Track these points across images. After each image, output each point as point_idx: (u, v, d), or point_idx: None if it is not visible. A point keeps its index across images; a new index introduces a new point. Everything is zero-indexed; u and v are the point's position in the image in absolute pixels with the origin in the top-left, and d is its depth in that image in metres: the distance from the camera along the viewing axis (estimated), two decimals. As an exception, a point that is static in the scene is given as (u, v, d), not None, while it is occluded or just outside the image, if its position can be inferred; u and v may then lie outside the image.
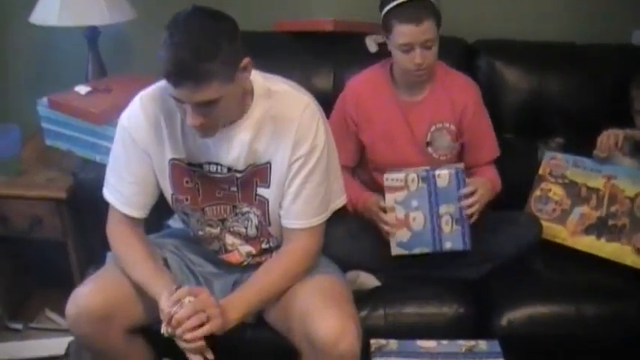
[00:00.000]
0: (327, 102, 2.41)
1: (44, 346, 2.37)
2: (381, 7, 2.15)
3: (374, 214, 2.14)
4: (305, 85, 2.44)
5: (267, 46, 2.55)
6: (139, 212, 1.87)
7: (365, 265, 2.12)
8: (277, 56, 2.54)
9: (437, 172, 2.06)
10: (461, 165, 2.13)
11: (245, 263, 1.97)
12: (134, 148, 1.82)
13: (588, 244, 2.19)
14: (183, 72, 1.56)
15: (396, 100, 2.26)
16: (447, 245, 2.09)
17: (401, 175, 2.09)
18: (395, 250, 2.11)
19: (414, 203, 2.09)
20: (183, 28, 1.59)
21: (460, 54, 2.51)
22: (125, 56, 2.74)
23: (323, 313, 1.71)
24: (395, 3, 2.10)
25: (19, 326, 2.47)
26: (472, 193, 2.07)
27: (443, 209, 2.07)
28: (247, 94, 1.77)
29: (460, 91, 2.25)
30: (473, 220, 2.07)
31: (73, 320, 1.78)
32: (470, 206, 2.06)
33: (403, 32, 2.08)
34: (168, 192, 1.88)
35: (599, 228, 2.19)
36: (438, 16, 2.12)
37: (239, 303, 1.78)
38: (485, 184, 2.14)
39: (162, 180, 1.87)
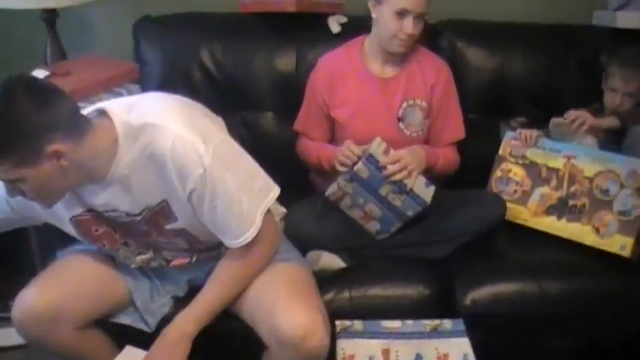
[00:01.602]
0: (291, 83, 2.52)
1: (7, 336, 2.33)
2: None
3: (340, 151, 2.12)
4: (268, 66, 2.53)
5: (231, 27, 2.59)
6: None
7: (330, 245, 2.11)
8: (241, 37, 2.57)
9: (355, 168, 2.06)
10: (374, 143, 2.07)
11: (194, 260, 1.92)
12: (6, 207, 1.79)
13: (549, 224, 2.21)
14: None
15: (369, 76, 2.29)
16: (409, 213, 2.11)
17: (334, 186, 2.10)
18: (378, 237, 2.15)
19: (360, 200, 2.11)
20: None
21: (423, 35, 2.44)
22: (84, 38, 2.70)
23: (290, 308, 1.69)
24: None
25: (-18, 316, 2.42)
26: (395, 162, 2.06)
27: (383, 191, 2.09)
28: (105, 141, 1.63)
29: (432, 69, 2.29)
30: (410, 182, 2.06)
31: (20, 325, 1.77)
32: (395, 173, 2.05)
33: None
34: (83, 240, 1.85)
35: (560, 209, 2.21)
36: None
37: (193, 319, 1.75)
38: (413, 151, 2.14)
39: (69, 231, 1.82)
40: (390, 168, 2.05)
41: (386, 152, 2.07)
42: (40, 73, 2.26)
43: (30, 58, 2.50)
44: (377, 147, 2.06)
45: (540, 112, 2.50)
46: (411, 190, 2.07)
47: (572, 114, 2.27)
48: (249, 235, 1.72)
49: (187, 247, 1.86)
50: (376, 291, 2.06)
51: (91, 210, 1.75)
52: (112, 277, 1.89)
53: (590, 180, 2.18)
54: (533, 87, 2.56)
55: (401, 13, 2.14)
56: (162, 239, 1.82)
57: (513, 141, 2.33)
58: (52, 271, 1.86)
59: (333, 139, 2.36)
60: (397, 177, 2.06)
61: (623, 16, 2.50)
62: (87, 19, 2.68)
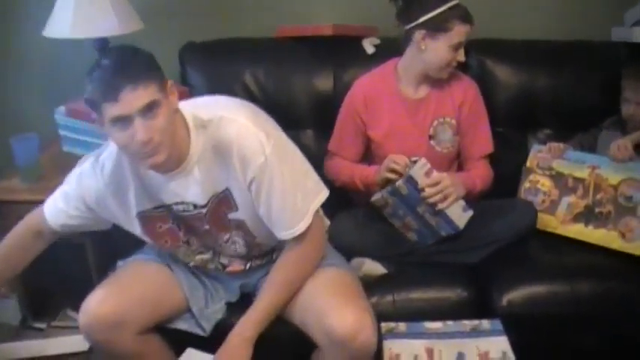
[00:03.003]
0: (328, 102, 2.59)
1: (67, 343, 2.42)
2: (431, 8, 2.24)
3: (384, 167, 2.24)
4: (307, 88, 2.61)
5: (269, 51, 2.70)
6: (62, 227, 1.95)
7: (372, 252, 2.21)
8: (280, 61, 2.68)
9: (396, 184, 2.17)
10: (418, 165, 2.17)
11: (248, 268, 2.04)
12: (81, 202, 1.89)
13: (578, 231, 2.29)
14: (117, 80, 1.59)
15: (401, 98, 2.39)
16: (442, 233, 2.22)
17: (379, 195, 2.22)
18: (416, 246, 2.26)
19: (400, 212, 2.22)
20: (102, 61, 1.64)
21: None
22: None
23: (339, 309, 1.77)
24: (451, 4, 2.23)
25: (42, 325, 2.52)
26: (434, 185, 2.16)
27: (420, 209, 2.19)
28: (182, 128, 1.77)
29: (459, 88, 2.39)
30: (444, 206, 2.16)
31: (86, 329, 1.85)
32: (431, 196, 2.15)
33: (463, 31, 2.25)
34: (146, 239, 1.95)
35: (587, 216, 2.29)
36: None
37: (252, 324, 1.84)
38: (453, 177, 2.24)
39: (133, 230, 1.93)
40: (428, 191, 2.15)
41: (427, 174, 2.17)
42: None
43: (82, 83, 2.62)
44: (419, 169, 2.15)
45: (565, 125, 2.60)
46: (445, 214, 2.17)
47: (617, 156, 2.31)
48: (300, 228, 1.82)
49: (244, 250, 1.97)
50: (418, 294, 2.16)
51: (159, 207, 1.87)
52: (170, 284, 1.98)
53: (615, 188, 2.26)
54: (558, 101, 2.64)
55: (458, 45, 2.26)
56: (223, 237, 1.92)
57: (540, 154, 2.41)
58: (115, 278, 1.96)
59: (364, 159, 2.46)
60: (433, 200, 2.16)
61: (639, 31, 2.56)
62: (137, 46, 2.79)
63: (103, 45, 2.63)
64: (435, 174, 2.19)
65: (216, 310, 2.02)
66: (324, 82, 2.66)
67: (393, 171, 2.22)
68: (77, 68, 2.71)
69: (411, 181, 2.15)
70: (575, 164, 2.36)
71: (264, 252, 2.02)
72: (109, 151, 1.86)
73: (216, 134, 1.76)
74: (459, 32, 2.24)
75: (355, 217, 2.30)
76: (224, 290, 2.06)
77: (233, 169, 1.76)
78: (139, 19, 2.62)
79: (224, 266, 2.02)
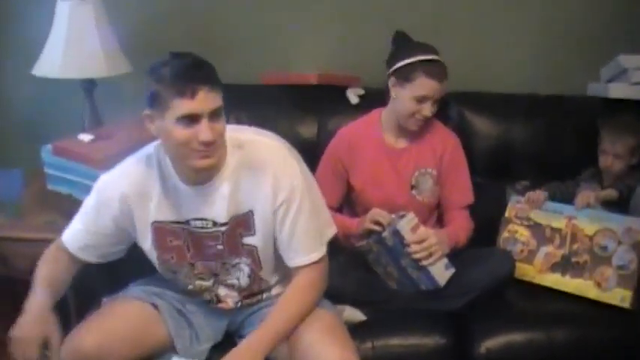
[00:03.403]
0: (312, 150, 2.56)
1: None
2: (403, 57, 2.33)
3: (368, 219, 2.28)
4: (291, 135, 2.56)
5: (254, 97, 2.73)
6: (86, 256, 1.96)
7: (352, 298, 2.22)
8: (265, 108, 2.71)
9: (383, 234, 2.20)
10: (405, 219, 2.20)
11: (238, 306, 2.04)
12: (106, 214, 1.91)
13: (554, 280, 2.33)
14: (197, 79, 1.68)
15: (384, 147, 2.43)
16: (422, 287, 2.24)
17: (364, 242, 2.26)
18: (398, 298, 2.28)
19: (384, 261, 2.26)
20: (174, 59, 1.73)
21: None
22: (119, 106, 2.80)
23: (326, 345, 1.82)
24: (422, 58, 2.29)
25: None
26: (420, 242, 2.18)
27: (403, 262, 2.22)
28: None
29: (441, 140, 2.44)
30: (428, 263, 2.19)
31: None
32: (416, 252, 2.18)
33: (427, 85, 2.28)
34: (152, 255, 1.96)
35: (564, 266, 2.33)
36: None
37: (263, 337, 1.85)
38: (439, 234, 2.26)
39: (143, 244, 1.95)
40: (413, 247, 2.18)
41: (414, 229, 2.19)
42: (85, 137, 2.44)
43: (68, 123, 2.67)
44: (406, 223, 2.18)
45: (542, 175, 2.64)
46: (427, 270, 2.20)
47: (579, 204, 2.38)
48: (317, 254, 1.92)
49: (246, 282, 1.98)
50: (396, 341, 2.16)
51: (175, 222, 1.90)
52: (153, 322, 1.97)
53: (591, 238, 2.31)
54: (535, 152, 2.70)
55: (421, 100, 2.31)
56: (232, 261, 1.95)
57: (518, 204, 2.47)
58: (97, 314, 1.96)
59: (343, 207, 2.50)
60: (417, 256, 2.19)
61: (614, 87, 2.66)
62: (122, 89, 2.83)
63: (90, 86, 2.68)
64: (422, 230, 2.21)
65: (200, 351, 2.02)
66: (308, 130, 2.70)
67: (376, 223, 2.26)
68: (64, 107, 2.79)
69: (397, 234, 2.18)
70: (553, 215, 2.41)
71: (258, 291, 2.04)
72: (137, 158, 1.93)
73: (252, 155, 1.85)
74: (422, 85, 2.29)
75: (337, 262, 2.29)
76: (210, 329, 2.06)
77: (263, 190, 1.84)
78: (128, 61, 2.68)
79: (218, 299, 2.03)
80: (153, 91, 1.72)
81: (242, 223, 1.89)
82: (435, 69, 2.29)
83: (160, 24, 2.86)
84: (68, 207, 2.44)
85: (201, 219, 1.89)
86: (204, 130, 1.70)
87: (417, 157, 2.43)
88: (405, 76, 2.31)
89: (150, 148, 1.93)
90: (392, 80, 2.36)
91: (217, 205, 1.86)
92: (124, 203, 1.89)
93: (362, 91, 2.75)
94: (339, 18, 2.90)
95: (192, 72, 1.69)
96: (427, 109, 2.32)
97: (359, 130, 2.48)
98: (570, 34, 2.88)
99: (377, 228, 2.25)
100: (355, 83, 2.78)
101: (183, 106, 1.68)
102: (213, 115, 1.71)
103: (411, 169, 2.42)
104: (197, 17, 2.87)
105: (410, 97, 2.31)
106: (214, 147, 1.75)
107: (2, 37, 2.85)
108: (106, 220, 1.92)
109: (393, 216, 2.25)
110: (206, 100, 1.69)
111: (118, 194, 1.89)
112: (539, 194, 2.45)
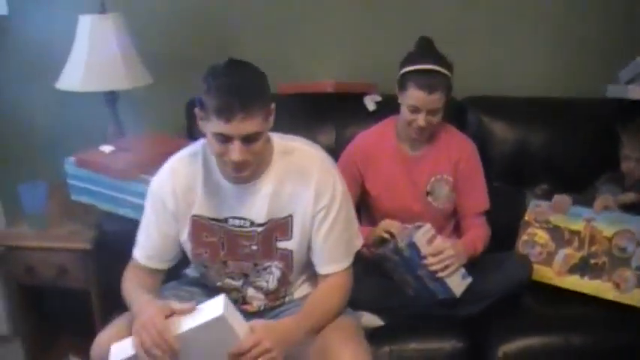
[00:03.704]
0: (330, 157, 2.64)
1: None
2: (401, 66, 2.33)
3: (380, 228, 2.30)
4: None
5: None
6: (157, 263, 2.01)
7: (369, 305, 2.24)
8: (282, 117, 2.63)
9: (400, 245, 2.20)
10: (421, 231, 2.20)
11: (262, 309, 2.08)
12: (163, 211, 1.97)
13: (573, 282, 2.33)
14: (234, 106, 1.72)
15: (399, 154, 2.44)
16: (439, 296, 2.25)
17: (381, 250, 2.27)
18: (415, 305, 2.29)
19: (401, 269, 2.26)
20: (226, 72, 1.78)
21: (451, 110, 2.59)
22: (141, 117, 2.91)
23: (341, 347, 1.83)
24: (414, 67, 2.28)
25: (45, 370, 2.57)
26: (437, 254, 2.18)
27: (419, 272, 2.22)
28: (267, 149, 1.90)
29: (457, 147, 2.44)
30: (445, 274, 2.18)
31: None
32: (433, 264, 2.18)
33: (415, 96, 2.27)
34: (187, 246, 2.01)
35: (582, 267, 2.33)
36: (449, 89, 2.31)
37: (295, 323, 1.87)
38: (456, 245, 2.26)
39: (181, 235, 1.99)
40: (429, 260, 2.18)
41: (430, 241, 2.20)
42: (106, 149, 2.50)
43: (92, 135, 2.71)
44: (422, 235, 2.18)
45: (561, 179, 2.65)
46: (444, 281, 2.20)
47: (598, 207, 2.39)
48: (348, 262, 1.99)
49: (274, 285, 2.03)
50: (413, 345, 2.20)
51: (214, 219, 1.96)
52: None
53: (609, 240, 2.31)
54: (554, 156, 2.70)
55: (413, 110, 2.31)
56: (264, 264, 1.99)
57: (537, 208, 2.47)
58: (125, 316, 1.97)
59: (359, 212, 2.47)
60: (433, 268, 2.19)
61: (633, 88, 2.65)
62: (144, 100, 2.88)
63: (112, 98, 2.74)
64: (438, 241, 2.21)
65: None
66: (326, 138, 2.71)
67: (388, 232, 2.28)
68: (86, 120, 2.84)
69: (413, 246, 2.18)
70: (571, 217, 2.41)
71: (283, 295, 2.08)
72: (183, 155, 2.00)
73: (299, 162, 1.94)
74: (412, 95, 2.28)
75: (354, 270, 2.33)
76: None
77: (306, 195, 1.92)
78: (148, 73, 2.73)
79: (244, 300, 2.08)
80: (201, 97, 1.79)
81: (279, 227, 1.95)
82: (425, 80, 2.26)
83: (180, 36, 2.91)
84: (91, 217, 2.54)
85: (240, 218, 1.95)
86: (235, 151, 1.77)
87: (432, 164, 2.43)
88: (401, 84, 2.33)
89: (197, 144, 2.00)
90: (397, 87, 2.37)
91: (257, 205, 1.93)
92: (176, 198, 1.96)
93: (379, 98, 2.77)
94: (354, 26, 2.92)
95: (232, 98, 1.73)
96: (421, 120, 2.30)
97: (374, 137, 2.50)
98: (586, 38, 2.89)
99: (387, 236, 2.27)
100: (372, 90, 2.80)
101: (217, 126, 1.75)
102: (247, 139, 1.77)
103: (426, 176, 2.43)
104: (215, 30, 2.91)
105: (405, 106, 2.33)
106: (245, 165, 1.81)
107: (26, 53, 2.91)
108: (167, 218, 1.98)
109: (410, 226, 2.25)
110: (240, 126, 1.74)
111: (170, 190, 1.95)
112: (565, 199, 2.45)
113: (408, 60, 2.34)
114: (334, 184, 1.95)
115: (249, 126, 1.75)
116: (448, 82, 2.30)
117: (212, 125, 1.77)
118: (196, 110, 1.85)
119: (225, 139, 1.77)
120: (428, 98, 2.26)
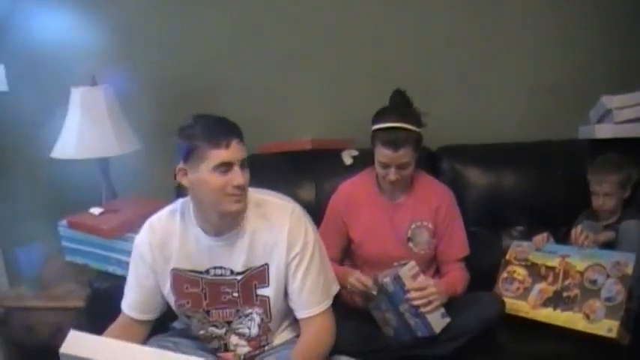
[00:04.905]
0: (311, 212, 2.52)
1: None
2: (372, 123, 2.42)
3: (355, 278, 2.34)
4: (290, 198, 2.66)
5: (253, 166, 2.80)
6: (140, 314, 2.11)
7: (348, 348, 2.22)
8: (263, 175, 2.72)
9: (384, 280, 2.26)
10: (407, 267, 2.28)
11: (242, 358, 2.15)
12: (142, 265, 2.09)
13: (546, 315, 2.39)
14: (228, 131, 1.91)
15: (380, 202, 2.52)
16: (419, 334, 2.28)
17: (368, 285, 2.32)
18: (393, 346, 2.33)
19: (383, 306, 2.32)
20: (203, 115, 1.95)
21: (426, 160, 2.73)
22: (131, 179, 3.02)
23: None
24: (379, 126, 2.38)
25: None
26: (421, 289, 2.24)
27: (402, 308, 2.27)
28: None
29: (436, 195, 2.52)
30: (427, 310, 2.23)
31: None
32: (416, 299, 2.23)
33: (383, 153, 2.37)
34: (170, 298, 2.11)
35: (555, 300, 2.39)
36: (418, 142, 2.39)
37: None
38: (438, 284, 2.32)
39: (163, 288, 2.10)
40: (413, 294, 2.24)
41: (415, 277, 2.27)
42: (95, 211, 2.63)
43: (86, 198, 2.82)
44: (408, 270, 2.26)
45: (535, 221, 2.70)
46: (425, 317, 2.25)
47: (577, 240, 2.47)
48: (326, 304, 2.09)
49: (256, 332, 2.11)
50: (392, 387, 2.21)
51: (193, 271, 2.06)
52: None
53: (581, 273, 2.39)
54: (529, 198, 2.76)
55: (384, 165, 2.40)
56: (245, 310, 2.08)
57: (519, 248, 2.56)
58: None
59: (344, 259, 2.58)
60: (416, 303, 2.24)
61: (600, 127, 2.74)
62: (134, 164, 2.98)
63: (104, 164, 2.87)
64: (422, 278, 2.29)
65: None
66: (306, 194, 2.80)
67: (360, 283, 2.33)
68: (78, 184, 2.93)
69: (398, 280, 2.25)
70: (548, 255, 2.51)
71: (265, 343, 2.15)
72: (161, 213, 2.12)
73: (270, 213, 2.06)
74: (379, 152, 2.38)
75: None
76: None
77: (279, 245, 2.03)
78: (137, 139, 2.86)
79: (226, 348, 2.15)
80: (188, 147, 1.93)
81: (258, 275, 2.05)
82: (390, 138, 2.34)
83: (166, 105, 3.04)
84: (85, 276, 2.63)
85: (220, 267, 2.05)
86: (237, 176, 1.92)
87: (412, 211, 2.50)
88: (371, 140, 2.43)
89: (177, 203, 2.12)
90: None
91: (235, 257, 2.04)
92: (152, 252, 2.07)
93: (356, 152, 2.85)
94: (329, 83, 3.05)
95: (224, 126, 1.93)
96: (391, 174, 2.39)
97: (356, 186, 2.58)
98: (557, 83, 2.99)
99: (359, 286, 2.32)
100: (349, 145, 2.89)
101: (219, 155, 1.90)
102: (243, 164, 1.94)
103: (407, 223, 2.49)
104: (196, 96, 3.04)
105: (377, 160, 2.42)
106: (245, 192, 1.96)
107: (23, 126, 3.07)
108: (146, 271, 2.09)
109: (395, 264, 2.33)
110: (237, 150, 1.92)
111: (147, 244, 2.07)
112: (544, 236, 2.54)
113: (376, 117, 2.43)
114: (305, 232, 2.05)
115: (243, 150, 1.94)
116: (416, 136, 2.37)
117: (210, 161, 1.90)
118: (179, 167, 1.96)
119: (225, 168, 1.90)
120: (394, 155, 2.35)
